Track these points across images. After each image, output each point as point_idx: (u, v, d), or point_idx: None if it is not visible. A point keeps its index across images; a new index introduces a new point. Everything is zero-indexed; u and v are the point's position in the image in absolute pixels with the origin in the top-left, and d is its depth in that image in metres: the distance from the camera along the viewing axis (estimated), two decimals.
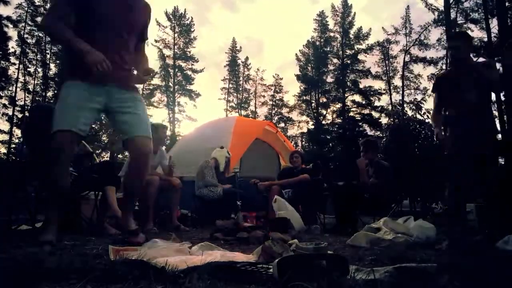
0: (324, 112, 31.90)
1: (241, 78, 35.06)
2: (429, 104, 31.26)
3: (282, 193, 4.51)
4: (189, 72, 32.20)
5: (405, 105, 27.55)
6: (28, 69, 26.33)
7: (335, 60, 31.54)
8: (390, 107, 29.24)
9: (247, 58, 35.31)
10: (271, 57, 58.43)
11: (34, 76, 26.71)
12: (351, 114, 30.29)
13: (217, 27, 54.77)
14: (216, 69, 53.10)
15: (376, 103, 30.29)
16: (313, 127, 31.19)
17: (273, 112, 34.45)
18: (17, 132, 23.74)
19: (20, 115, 25.09)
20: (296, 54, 32.96)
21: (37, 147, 2.98)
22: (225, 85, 34.63)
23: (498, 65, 3.26)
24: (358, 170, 4.17)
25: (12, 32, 23.54)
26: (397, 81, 29.74)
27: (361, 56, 30.64)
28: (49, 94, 26.58)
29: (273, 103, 34.63)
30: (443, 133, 3.23)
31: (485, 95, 3.04)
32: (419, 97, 27.41)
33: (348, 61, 30.87)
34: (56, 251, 1.81)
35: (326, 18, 32.30)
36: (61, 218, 2.83)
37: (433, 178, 8.89)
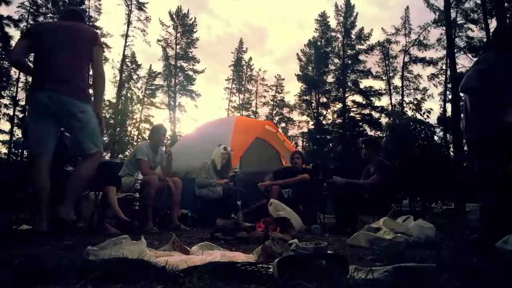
0: (324, 112, 31.93)
1: (244, 79, 35.11)
2: (429, 104, 31.29)
3: (282, 193, 4.51)
4: (191, 73, 32.26)
5: (404, 105, 27.56)
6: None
7: (336, 60, 31.56)
8: (390, 107, 29.26)
9: (250, 59, 35.41)
10: (273, 47, 57.24)
11: None
12: (351, 114, 30.30)
13: (217, 14, 54.42)
14: (215, 60, 52.56)
15: (376, 103, 30.33)
16: (313, 127, 31.21)
17: (274, 112, 34.50)
18: (18, 132, 23.77)
19: (21, 115, 25.11)
20: (297, 53, 33.05)
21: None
22: (228, 85, 34.71)
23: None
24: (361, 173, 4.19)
25: (13, 32, 23.57)
26: (397, 81, 29.79)
27: (361, 56, 30.67)
28: None
29: (274, 103, 34.66)
30: None
31: None
32: (418, 97, 27.43)
33: (349, 61, 30.87)
34: (56, 251, 1.81)
35: (328, 18, 32.35)
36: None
37: (433, 177, 8.90)
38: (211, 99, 64.55)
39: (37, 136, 2.64)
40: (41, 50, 2.69)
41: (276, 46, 57.36)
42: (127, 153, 25.13)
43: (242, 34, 55.56)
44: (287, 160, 6.18)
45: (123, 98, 29.87)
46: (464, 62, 21.10)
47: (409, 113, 23.87)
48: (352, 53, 30.88)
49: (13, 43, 23.67)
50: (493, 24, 16.91)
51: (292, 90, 64.65)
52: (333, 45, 31.79)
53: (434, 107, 28.59)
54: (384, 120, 29.07)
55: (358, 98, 30.56)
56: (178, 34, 32.02)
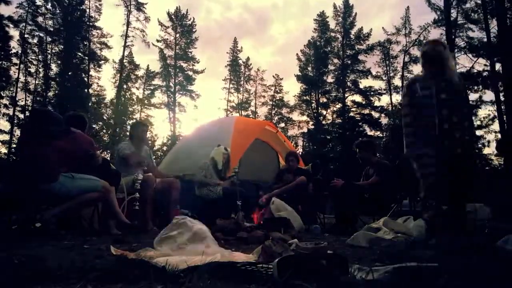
0: (324, 112, 31.93)
1: (241, 78, 35.09)
2: None
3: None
4: (190, 73, 32.25)
5: None
6: (29, 69, 26.39)
7: (335, 60, 31.57)
8: (390, 107, 29.26)
9: (248, 59, 35.41)
10: (274, 34, 55.45)
11: (35, 76, 26.77)
12: (351, 114, 30.30)
13: None
14: (213, 48, 51.67)
15: (376, 103, 30.33)
16: (313, 127, 31.21)
17: (273, 112, 34.49)
18: (18, 132, 23.77)
19: (21, 115, 25.13)
20: (297, 54, 33.06)
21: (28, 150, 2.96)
22: (225, 85, 34.71)
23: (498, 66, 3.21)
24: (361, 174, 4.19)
25: (13, 32, 23.57)
26: (397, 81, 29.78)
27: (361, 56, 30.67)
28: (50, 94, 26.63)
29: (273, 103, 34.66)
30: None
31: None
32: None
33: (349, 61, 30.88)
34: (56, 251, 1.81)
35: (327, 18, 32.36)
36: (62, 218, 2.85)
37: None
38: (211, 99, 64.02)
39: None
40: None
41: (278, 34, 55.75)
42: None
43: (242, 19, 54.44)
44: None
45: (122, 98, 29.89)
46: (464, 62, 21.08)
47: None
48: (352, 53, 30.89)
49: (13, 43, 23.74)
50: (493, 24, 16.92)
51: (293, 84, 63.51)
52: (333, 45, 31.82)
53: None
54: (384, 120, 29.11)
55: (358, 98, 30.61)
56: (177, 35, 32.02)
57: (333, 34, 31.89)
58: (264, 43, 54.10)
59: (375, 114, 29.83)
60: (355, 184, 4.13)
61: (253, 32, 53.96)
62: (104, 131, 28.90)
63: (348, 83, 30.77)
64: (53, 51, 27.29)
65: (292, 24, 55.31)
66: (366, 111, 30.12)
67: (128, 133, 4.76)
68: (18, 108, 25.35)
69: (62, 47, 27.15)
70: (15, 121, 24.73)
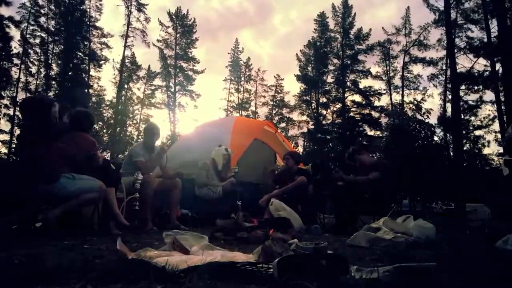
0: (324, 112, 31.91)
1: (242, 79, 35.09)
2: (428, 104, 31.19)
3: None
4: (190, 73, 32.22)
5: (404, 105, 27.55)
6: (30, 69, 26.39)
7: (335, 60, 31.56)
8: (390, 107, 29.25)
9: (248, 59, 35.41)
10: (276, 25, 54.64)
11: (36, 76, 26.78)
12: (351, 114, 30.29)
13: None
14: (211, 38, 51.28)
15: (376, 103, 30.31)
16: (313, 127, 31.20)
17: (274, 112, 34.48)
18: (18, 132, 23.77)
19: (21, 116, 25.11)
20: (297, 54, 33.05)
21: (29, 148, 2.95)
22: (226, 86, 34.71)
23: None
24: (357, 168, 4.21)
25: (14, 33, 23.57)
26: (397, 81, 29.76)
27: (361, 56, 30.66)
28: (51, 94, 26.61)
29: (274, 103, 34.65)
30: None
31: None
32: (418, 97, 27.40)
33: (348, 61, 30.87)
34: (56, 251, 1.81)
35: (327, 18, 32.35)
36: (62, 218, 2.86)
37: (433, 177, 8.89)
38: (211, 97, 63.37)
39: None
40: None
41: (280, 26, 55.07)
42: (126, 153, 25.10)
43: (245, 9, 54.04)
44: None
45: (122, 98, 29.87)
46: (464, 62, 21.08)
47: (409, 113, 23.87)
48: (351, 53, 30.88)
49: (13, 43, 23.74)
50: (493, 24, 16.91)
51: (293, 80, 62.88)
52: (332, 45, 31.81)
53: (434, 107, 28.56)
54: (384, 120, 29.08)
55: (358, 98, 30.61)
56: (178, 35, 32.00)
57: (332, 34, 31.91)
58: (264, 33, 53.50)
59: (375, 114, 29.85)
60: (355, 185, 4.12)
61: (253, 22, 53.37)
62: (104, 131, 28.88)
63: (348, 83, 30.76)
64: (54, 51, 27.31)
65: (294, 14, 54.76)
66: (366, 111, 30.11)
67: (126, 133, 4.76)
68: (19, 109, 25.33)
69: (63, 47, 27.15)
70: (16, 121, 24.73)
